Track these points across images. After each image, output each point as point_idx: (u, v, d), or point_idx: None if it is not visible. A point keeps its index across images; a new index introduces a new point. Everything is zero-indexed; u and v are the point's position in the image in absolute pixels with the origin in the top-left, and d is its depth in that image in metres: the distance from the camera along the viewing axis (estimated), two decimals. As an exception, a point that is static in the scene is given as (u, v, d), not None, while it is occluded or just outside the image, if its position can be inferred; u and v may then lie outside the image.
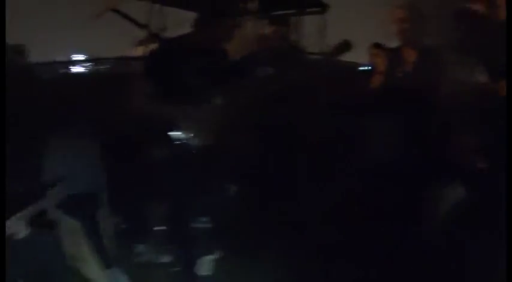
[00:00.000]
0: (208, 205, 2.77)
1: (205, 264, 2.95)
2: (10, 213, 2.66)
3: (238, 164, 2.93)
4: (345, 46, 3.10)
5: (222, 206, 2.90)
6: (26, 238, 2.73)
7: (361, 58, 5.49)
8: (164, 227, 4.47)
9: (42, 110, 3.78)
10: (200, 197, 2.75)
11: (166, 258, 4.04)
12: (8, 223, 2.61)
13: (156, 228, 4.48)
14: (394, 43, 3.49)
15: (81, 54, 9.83)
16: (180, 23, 9.31)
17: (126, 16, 8.23)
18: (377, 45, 4.86)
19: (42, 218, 3.08)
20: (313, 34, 7.75)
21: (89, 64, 9.08)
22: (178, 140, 2.65)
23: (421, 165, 2.94)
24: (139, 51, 12.31)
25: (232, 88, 2.71)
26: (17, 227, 2.58)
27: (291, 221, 4.15)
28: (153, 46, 8.64)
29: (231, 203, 2.99)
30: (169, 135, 2.65)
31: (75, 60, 10.01)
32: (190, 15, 7.98)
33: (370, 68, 4.78)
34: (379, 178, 3.31)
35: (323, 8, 8.06)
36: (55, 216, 3.51)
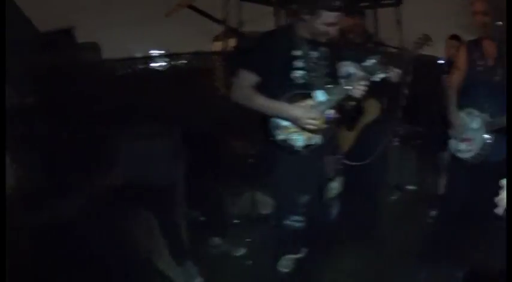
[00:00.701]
0: (303, 204, 2.78)
1: (287, 262, 2.98)
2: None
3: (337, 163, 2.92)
4: (425, 41, 3.06)
5: (315, 206, 2.90)
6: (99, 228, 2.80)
7: (438, 51, 5.42)
8: (242, 220, 4.58)
9: (117, 105, 3.88)
10: (297, 195, 2.77)
11: (241, 252, 4.05)
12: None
13: (234, 221, 4.56)
14: (470, 36, 3.42)
15: (158, 50, 10.05)
16: (256, 17, 9.47)
17: (202, 12, 8.44)
18: (454, 38, 4.79)
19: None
20: (389, 27, 7.69)
21: (166, 59, 9.28)
22: (276, 135, 2.67)
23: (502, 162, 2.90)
24: (216, 46, 12.51)
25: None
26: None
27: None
28: (233, 40, 8.82)
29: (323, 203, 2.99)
30: (268, 130, 2.67)
31: (152, 56, 10.29)
32: (267, 10, 8.16)
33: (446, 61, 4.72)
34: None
35: (398, 0, 7.97)
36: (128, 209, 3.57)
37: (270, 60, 2.59)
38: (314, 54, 2.63)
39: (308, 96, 2.64)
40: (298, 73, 2.60)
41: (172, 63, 9.16)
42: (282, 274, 2.97)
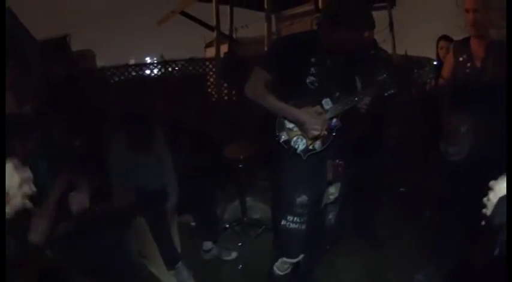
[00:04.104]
0: (300, 205, 2.77)
1: (282, 265, 2.97)
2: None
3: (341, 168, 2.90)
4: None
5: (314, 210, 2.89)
6: (94, 232, 2.78)
7: (431, 52, 5.40)
8: (233, 225, 4.60)
9: (111, 111, 3.85)
10: (294, 195, 2.76)
11: (233, 256, 4.05)
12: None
13: (226, 226, 4.59)
14: (462, 36, 3.39)
15: (152, 56, 10.06)
16: (248, 23, 9.48)
17: (194, 18, 8.45)
18: (444, 38, 4.77)
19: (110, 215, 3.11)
20: (381, 29, 7.64)
21: (160, 66, 9.28)
22: (280, 135, 2.67)
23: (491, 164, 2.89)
24: (209, 52, 12.54)
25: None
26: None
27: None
28: (225, 47, 8.83)
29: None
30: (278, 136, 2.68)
31: (146, 63, 10.28)
32: (258, 16, 8.17)
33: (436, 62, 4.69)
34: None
35: (391, 2, 7.95)
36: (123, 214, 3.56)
37: (287, 62, 2.63)
38: (329, 63, 2.65)
39: (317, 102, 2.66)
40: (312, 79, 2.63)
41: (166, 70, 9.16)
42: (275, 277, 2.97)
